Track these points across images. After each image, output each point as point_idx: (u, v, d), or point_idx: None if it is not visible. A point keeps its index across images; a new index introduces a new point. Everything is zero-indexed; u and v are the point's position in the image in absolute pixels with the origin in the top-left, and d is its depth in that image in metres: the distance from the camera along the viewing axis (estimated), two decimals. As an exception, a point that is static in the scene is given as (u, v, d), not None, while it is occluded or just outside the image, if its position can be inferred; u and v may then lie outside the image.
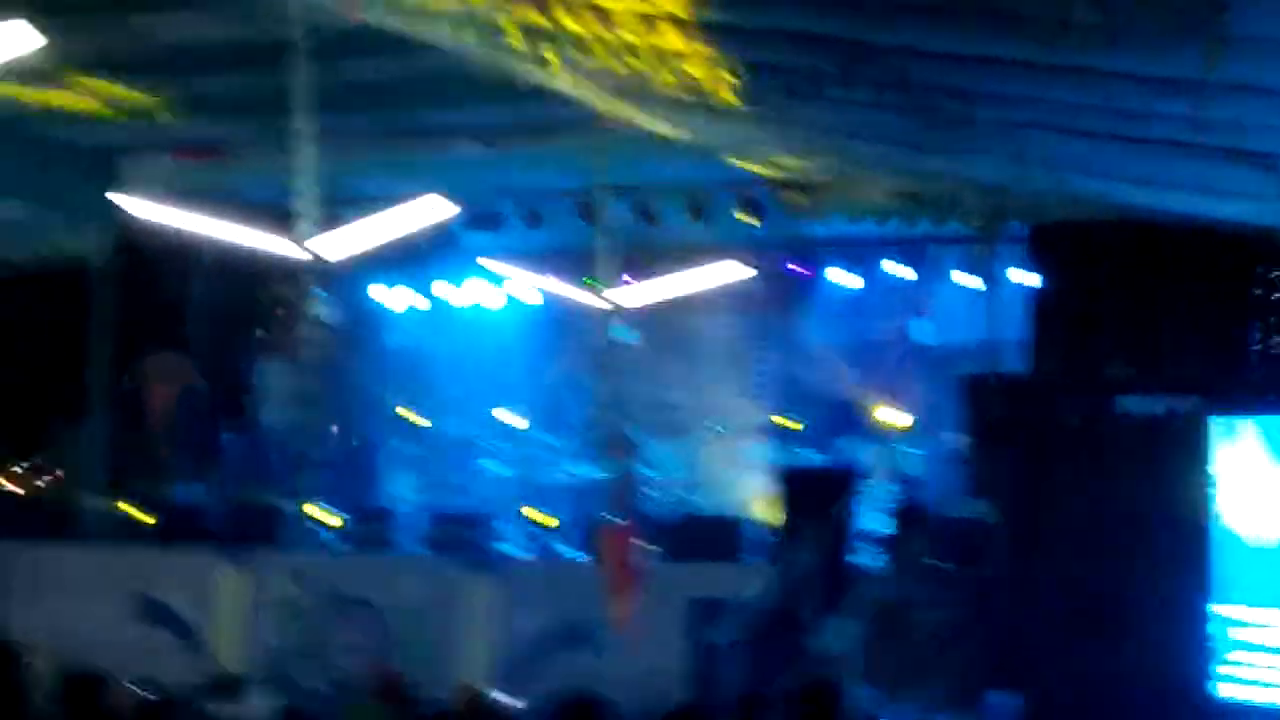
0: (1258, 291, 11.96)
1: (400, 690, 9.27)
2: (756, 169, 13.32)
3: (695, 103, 9.38)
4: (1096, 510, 12.40)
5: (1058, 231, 13.12)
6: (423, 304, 19.82)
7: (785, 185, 14.49)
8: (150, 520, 17.01)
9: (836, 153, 10.77)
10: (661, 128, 11.31)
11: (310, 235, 10.55)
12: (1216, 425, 11.54)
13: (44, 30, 8.86)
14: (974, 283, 16.28)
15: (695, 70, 8.52)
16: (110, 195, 15.36)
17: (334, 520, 16.50)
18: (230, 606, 15.69)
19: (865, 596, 12.27)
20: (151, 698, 8.04)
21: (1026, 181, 10.13)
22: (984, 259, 14.97)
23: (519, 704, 11.38)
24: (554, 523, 16.38)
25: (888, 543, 14.29)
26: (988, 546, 13.19)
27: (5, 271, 16.95)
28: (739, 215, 15.25)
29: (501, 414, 18.65)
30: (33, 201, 15.59)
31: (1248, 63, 6.58)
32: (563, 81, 10.54)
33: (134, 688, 8.16)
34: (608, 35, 8.70)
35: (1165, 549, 11.80)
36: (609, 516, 13.15)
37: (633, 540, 12.53)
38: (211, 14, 11.84)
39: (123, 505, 17.19)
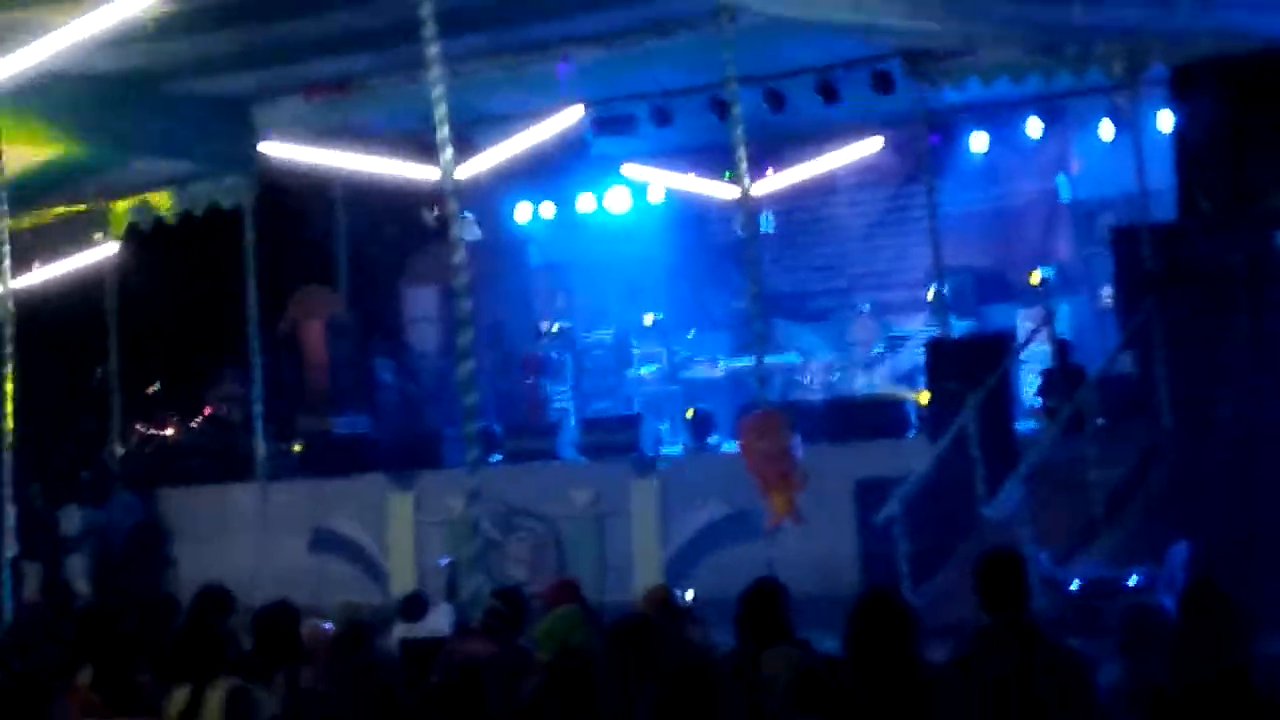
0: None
1: (576, 594, 9.39)
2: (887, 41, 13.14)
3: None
4: (1259, 351, 12.17)
5: (1199, 71, 12.80)
6: (563, 215, 19.91)
7: (916, 55, 14.28)
8: (315, 453, 17.39)
9: (972, 13, 10.59)
10: (786, 9, 11.19)
11: (446, 159, 10.61)
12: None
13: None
14: (1117, 133, 15.99)
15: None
16: (248, 141, 15.68)
17: (491, 436, 16.74)
18: (401, 530, 16.03)
19: (1031, 460, 12.18)
20: (341, 626, 8.21)
21: (1168, 21, 9.90)
22: (1126, 108, 14.65)
23: (694, 597, 11.51)
24: (705, 417, 16.44)
25: (1048, 405, 14.19)
26: (1150, 400, 13.03)
27: (155, 224, 17.31)
28: (872, 90, 15.06)
29: (647, 316, 18.72)
30: (174, 156, 15.87)
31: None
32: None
33: (319, 621, 8.34)
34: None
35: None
36: (762, 407, 13.13)
37: (789, 427, 12.35)
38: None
39: (287, 441, 17.58)
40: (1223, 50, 11.87)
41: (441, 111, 10.54)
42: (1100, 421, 12.91)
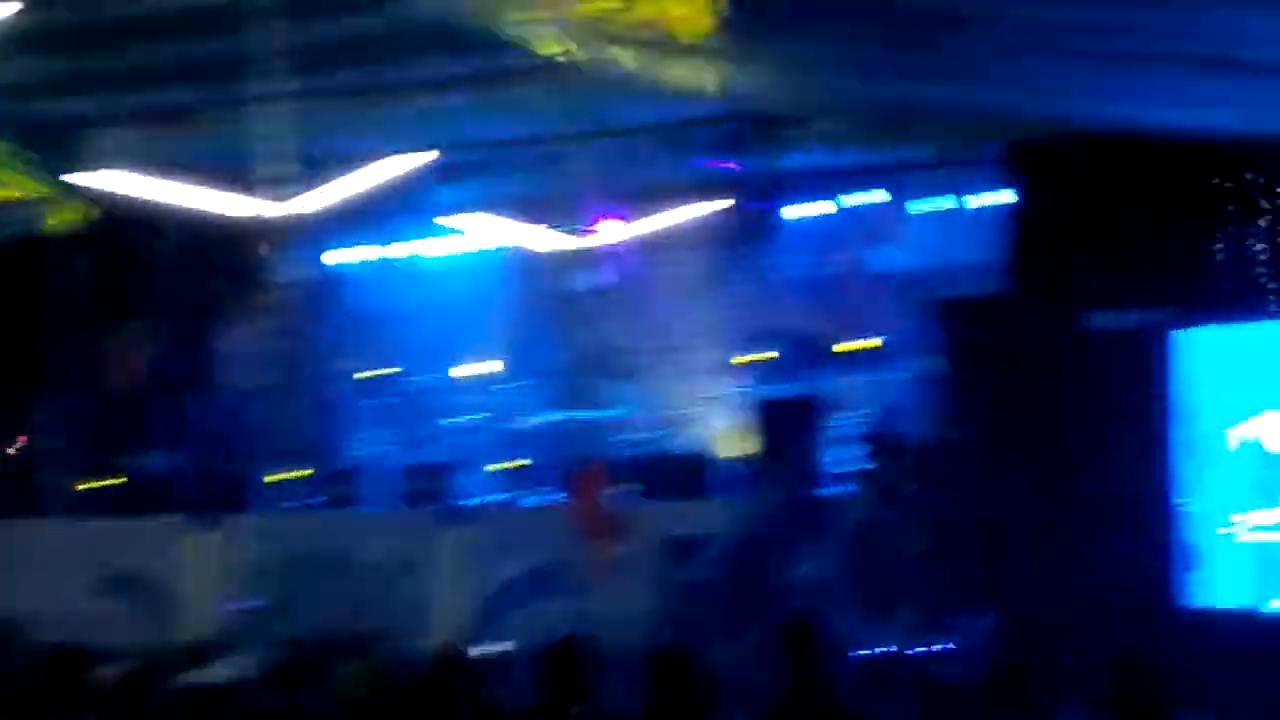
0: (1231, 202, 11.96)
1: (373, 646, 9.22)
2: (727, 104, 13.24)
3: (670, 42, 9.30)
4: (1069, 427, 12.42)
5: (1031, 151, 13.08)
6: (394, 259, 19.72)
7: (758, 119, 14.42)
8: (119, 490, 16.96)
9: (815, 84, 10.70)
10: (633, 68, 11.21)
11: (274, 197, 10.44)
12: (1187, 336, 11.57)
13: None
14: (948, 206, 16.28)
15: (679, 6, 8.43)
16: (74, 169, 15.30)
17: (303, 480, 16.47)
18: (201, 572, 15.65)
19: (840, 526, 12.29)
20: (128, 670, 7.97)
21: (1004, 102, 10.10)
22: (953, 182, 14.95)
23: (499, 652, 11.38)
24: (524, 468, 16.37)
25: (860, 471, 14.32)
26: (962, 471, 13.22)
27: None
28: (710, 151, 15.17)
29: (470, 364, 18.59)
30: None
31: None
32: (531, 29, 10.43)
33: (110, 662, 8.08)
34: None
35: (1141, 461, 11.85)
36: (581, 461, 13.16)
37: (605, 483, 12.54)
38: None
39: (91, 477, 17.12)
40: (1053, 132, 12.15)
41: (271, 149, 10.37)
42: (911, 490, 13.05)
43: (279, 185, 10.49)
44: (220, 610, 14.95)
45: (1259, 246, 11.88)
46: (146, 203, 16.34)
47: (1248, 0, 6.96)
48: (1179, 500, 11.54)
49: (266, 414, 17.22)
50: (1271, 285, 11.78)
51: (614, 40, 9.88)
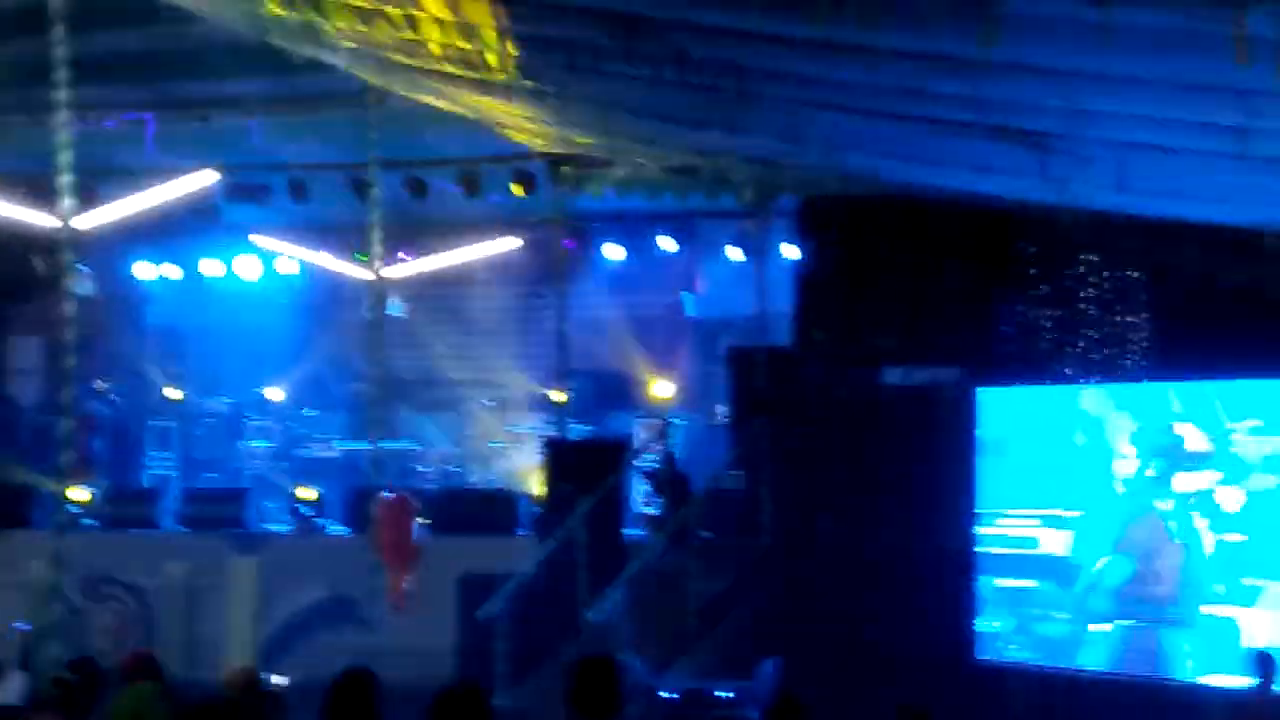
0: (1018, 266, 12.33)
1: (155, 670, 9.00)
2: (529, 143, 13.30)
3: (469, 76, 9.31)
4: (861, 479, 12.68)
5: (825, 206, 13.35)
6: (186, 278, 19.36)
7: (558, 160, 14.48)
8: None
9: (612, 129, 10.80)
10: (434, 100, 11.21)
11: (69, 208, 10.20)
12: (980, 395, 11.89)
13: None
14: (744, 257, 16.50)
15: (473, 43, 8.45)
16: None
17: (89, 499, 16.04)
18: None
19: (635, 568, 12.37)
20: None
21: (800, 157, 10.29)
22: (754, 233, 15.18)
23: (286, 682, 11.21)
24: (315, 497, 16.16)
25: (656, 515, 14.44)
26: (754, 517, 13.40)
27: None
28: (511, 189, 15.19)
29: (265, 389, 18.32)
30: None
31: (1022, 43, 6.78)
32: (332, 53, 10.37)
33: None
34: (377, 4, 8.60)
35: (930, 517, 12.12)
36: (383, 491, 13.07)
37: (409, 514, 12.50)
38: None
39: None
40: (845, 191, 12.42)
41: (65, 158, 10.15)
42: (705, 535, 13.21)
43: (73, 196, 10.25)
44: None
45: (1045, 313, 12.27)
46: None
47: (1032, 73, 7.21)
48: (971, 558, 11.81)
49: (49, 431, 16.75)
50: (1053, 351, 12.17)
51: (415, 70, 9.87)
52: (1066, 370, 12.11)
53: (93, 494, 16.06)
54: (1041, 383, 11.97)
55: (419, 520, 12.86)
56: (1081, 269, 12.12)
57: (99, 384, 18.00)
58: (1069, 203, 9.67)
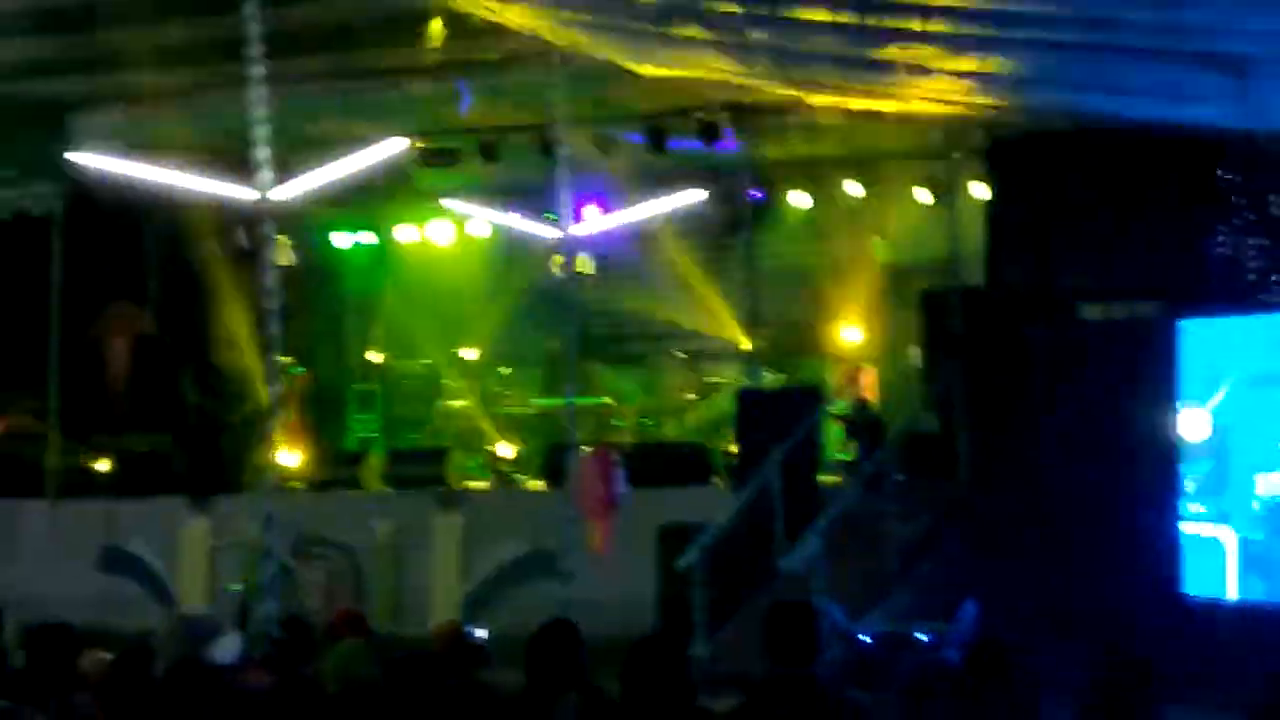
0: (1214, 196, 12.00)
1: (363, 627, 9.23)
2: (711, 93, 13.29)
3: (652, 31, 9.34)
4: (1059, 419, 12.47)
5: (1015, 144, 13.14)
6: (380, 245, 19.73)
7: (740, 109, 14.44)
8: (112, 471, 16.97)
9: (791, 73, 10.73)
10: (616, 56, 11.26)
11: (266, 180, 10.46)
12: (1181, 328, 11.55)
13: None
14: (932, 199, 16.29)
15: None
16: (61, 149, 15.27)
17: (299, 463, 16.50)
18: (195, 554, 15.69)
19: (831, 514, 12.33)
20: (124, 647, 7.96)
21: (986, 93, 10.13)
22: (942, 175, 14.99)
23: (489, 635, 11.43)
24: (515, 454, 16.41)
25: (851, 460, 14.38)
26: (950, 459, 13.28)
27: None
28: (694, 142, 15.20)
29: (461, 349, 18.62)
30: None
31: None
32: (514, 14, 10.47)
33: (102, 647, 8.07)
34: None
35: (1130, 455, 11.88)
36: (582, 446, 13.26)
37: (611, 468, 12.70)
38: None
39: (85, 458, 17.13)
40: (1034, 127, 12.19)
41: (261, 131, 10.40)
42: (899, 478, 13.12)
43: (270, 168, 10.51)
44: (212, 591, 15.01)
45: (1249, 242, 11.93)
46: (138, 185, 16.39)
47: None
48: (1175, 494, 11.54)
49: (261, 396, 17.23)
50: (1259, 281, 11.83)
51: (600, 28, 9.93)
52: (1273, 298, 11.78)
53: (302, 457, 16.52)
54: (1248, 313, 11.62)
55: (620, 473, 13.05)
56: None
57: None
58: (1270, 128, 9.39)
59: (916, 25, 8.28)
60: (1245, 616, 11.14)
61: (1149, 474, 11.72)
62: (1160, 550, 11.57)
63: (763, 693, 6.10)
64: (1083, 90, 9.60)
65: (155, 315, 18.68)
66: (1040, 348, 12.85)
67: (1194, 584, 11.51)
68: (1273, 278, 12.01)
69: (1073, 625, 10.78)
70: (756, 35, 9.20)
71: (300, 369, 17.69)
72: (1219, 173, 12.01)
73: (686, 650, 6.42)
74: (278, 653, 8.47)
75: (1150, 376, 11.75)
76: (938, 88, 10.08)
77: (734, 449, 14.70)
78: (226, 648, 10.65)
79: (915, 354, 15.75)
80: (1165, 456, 11.58)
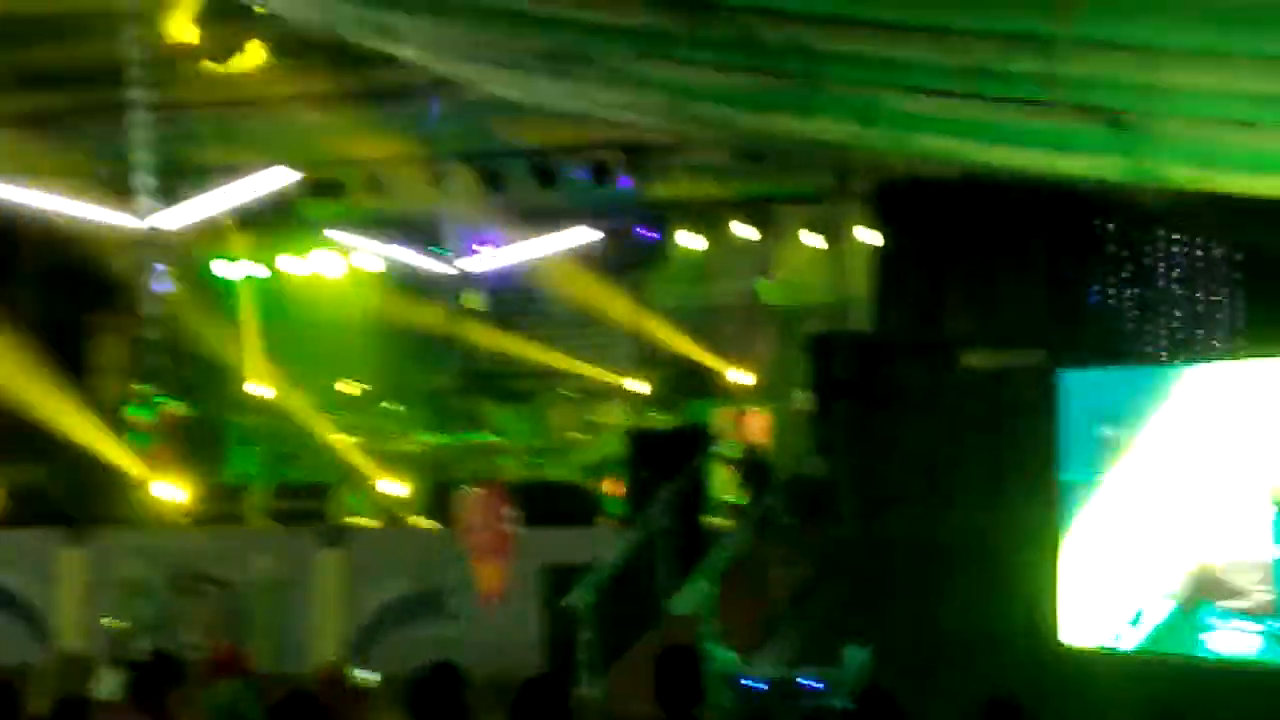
0: (1094, 246, 12.18)
1: (242, 664, 9.09)
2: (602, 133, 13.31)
3: (540, 65, 9.31)
4: (944, 464, 12.56)
5: (902, 190, 13.24)
6: (267, 275, 19.51)
7: (629, 149, 14.48)
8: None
9: (682, 115, 10.75)
10: (505, 91, 11.22)
11: (144, 207, 10.31)
12: (1062, 378, 11.67)
13: None
14: (820, 242, 16.41)
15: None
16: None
17: (177, 496, 16.24)
18: (72, 586, 15.37)
19: (718, 556, 12.32)
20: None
21: (873, 141, 10.21)
22: (829, 219, 15.10)
23: (374, 676, 11.28)
24: (400, 491, 16.24)
25: (738, 503, 14.39)
26: (837, 503, 13.33)
27: None
28: (586, 180, 15.21)
29: (346, 384, 18.44)
30: None
31: (1100, 19, 6.69)
32: (405, 47, 10.40)
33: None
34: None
35: (1012, 501, 11.98)
36: (469, 484, 13.15)
37: (501, 506, 12.58)
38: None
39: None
40: (920, 174, 12.30)
41: (143, 158, 10.26)
42: (787, 521, 13.15)
43: (149, 196, 10.38)
44: (90, 626, 14.69)
45: (1127, 292, 12.12)
46: (12, 210, 16.07)
47: (1109, 49, 7.11)
48: (1056, 540, 11.63)
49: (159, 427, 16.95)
50: (1137, 331, 12.01)
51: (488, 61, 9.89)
52: (1150, 350, 11.95)
53: (189, 495, 16.24)
54: (1126, 364, 11.78)
55: (509, 512, 12.93)
56: (1163, 247, 11.96)
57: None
58: (1149, 181, 9.54)
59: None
60: (1124, 663, 11.26)
61: (1030, 519, 11.82)
62: (1038, 595, 11.67)
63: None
64: (966, 139, 9.70)
65: (33, 342, 18.31)
66: (925, 393, 12.94)
67: (1073, 630, 11.61)
68: (1146, 328, 12.20)
69: (955, 671, 10.84)
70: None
71: (168, 400, 17.38)
72: (1098, 224, 12.18)
73: (571, 691, 6.38)
74: (140, 688, 8.24)
75: (1030, 425, 11.85)
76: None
77: (620, 489, 14.65)
78: (107, 684, 10.45)
79: (803, 397, 15.83)
80: (1046, 502, 11.69)
